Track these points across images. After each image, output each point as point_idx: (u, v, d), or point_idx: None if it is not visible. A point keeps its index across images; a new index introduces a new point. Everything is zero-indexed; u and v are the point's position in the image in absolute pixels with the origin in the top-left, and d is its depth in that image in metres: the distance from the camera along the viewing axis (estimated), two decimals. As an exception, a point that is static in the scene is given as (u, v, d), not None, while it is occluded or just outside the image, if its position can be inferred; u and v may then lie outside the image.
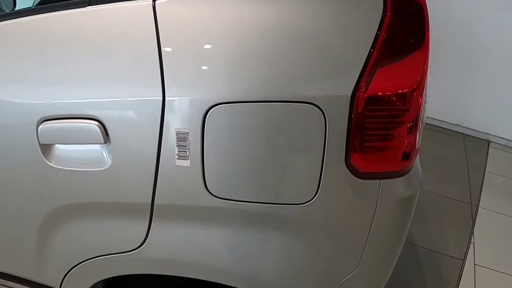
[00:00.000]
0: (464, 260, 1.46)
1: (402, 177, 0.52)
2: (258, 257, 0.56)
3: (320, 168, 0.48)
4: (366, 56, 0.45)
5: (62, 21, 0.51)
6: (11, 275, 0.83)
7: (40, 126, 0.51)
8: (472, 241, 1.57)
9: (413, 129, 0.50)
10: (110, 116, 0.49)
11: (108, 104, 0.49)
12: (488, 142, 2.52)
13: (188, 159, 0.49)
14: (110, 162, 0.51)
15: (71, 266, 0.68)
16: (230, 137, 0.48)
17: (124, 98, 0.48)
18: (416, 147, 0.54)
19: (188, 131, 0.47)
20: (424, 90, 0.50)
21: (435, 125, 2.51)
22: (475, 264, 1.45)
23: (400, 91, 0.47)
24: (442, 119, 2.67)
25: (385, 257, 0.61)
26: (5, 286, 0.87)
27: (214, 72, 0.46)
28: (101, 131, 0.49)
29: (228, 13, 0.45)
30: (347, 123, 0.46)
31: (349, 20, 0.46)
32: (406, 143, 0.50)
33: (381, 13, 0.44)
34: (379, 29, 0.45)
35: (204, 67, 0.46)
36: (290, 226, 0.53)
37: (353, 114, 0.46)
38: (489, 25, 2.25)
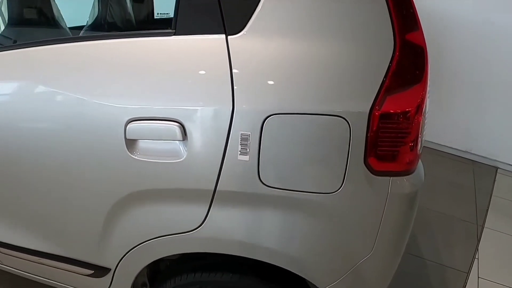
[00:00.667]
0: (468, 273, 1.61)
1: (407, 176, 0.70)
2: (294, 237, 0.73)
3: (345, 166, 0.66)
4: (380, 83, 0.63)
5: (151, 46, 0.71)
6: (64, 257, 1.00)
7: (128, 125, 0.69)
8: (476, 257, 1.72)
9: (415, 140, 0.68)
10: (189, 119, 0.67)
11: (188, 111, 0.68)
12: (496, 168, 2.70)
13: (247, 155, 0.67)
14: (185, 155, 0.69)
15: (131, 247, 0.84)
16: (280, 139, 0.66)
17: (202, 107, 0.68)
18: (418, 153, 0.72)
19: (250, 133, 0.66)
20: (423, 110, 0.71)
21: (446, 152, 2.68)
22: (478, 277, 1.60)
23: (405, 110, 0.66)
24: (452, 146, 2.85)
25: (395, 242, 0.77)
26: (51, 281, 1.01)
27: (270, 90, 0.65)
28: (181, 130, 0.68)
29: (282, 46, 0.65)
30: (365, 133, 0.64)
31: (369, 56, 0.65)
32: (409, 150, 0.68)
33: (391, 52, 0.63)
34: (390, 63, 0.63)
35: (263, 87, 0.65)
36: (321, 211, 0.70)
37: (370, 126, 0.64)
38: (498, 59, 2.49)
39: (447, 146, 2.69)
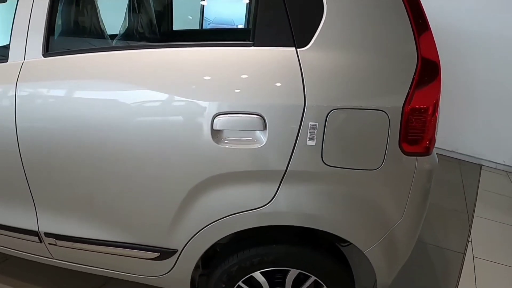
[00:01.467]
0: (464, 253, 1.92)
1: (427, 156, 0.97)
2: (347, 208, 0.97)
3: (385, 148, 0.91)
4: (409, 86, 0.90)
5: (234, 54, 0.93)
6: (129, 243, 1.17)
7: (216, 118, 0.92)
8: (470, 240, 2.07)
9: (433, 129, 0.96)
10: (269, 113, 0.90)
11: (269, 106, 0.90)
12: (480, 166, 3.14)
13: (314, 140, 0.91)
14: (264, 142, 0.91)
15: (202, 227, 1.03)
16: (339, 128, 0.90)
17: (280, 103, 0.90)
18: (435, 139, 1.02)
19: (317, 124, 0.90)
20: (438, 106, 1.02)
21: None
22: (474, 257, 1.95)
23: (426, 107, 0.98)
24: (440, 147, 3.31)
25: (419, 210, 1.03)
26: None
27: (332, 91, 0.89)
28: (262, 122, 0.91)
29: (339, 56, 0.89)
30: (399, 123, 0.90)
31: (401, 67, 0.91)
32: (429, 136, 0.96)
33: (415, 65, 0.90)
34: (414, 74, 0.90)
35: (326, 88, 0.89)
36: (366, 185, 0.95)
37: (402, 118, 0.91)
38: (482, 67, 2.95)
39: (435, 147, 3.23)
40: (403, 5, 0.92)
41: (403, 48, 0.93)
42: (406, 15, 0.92)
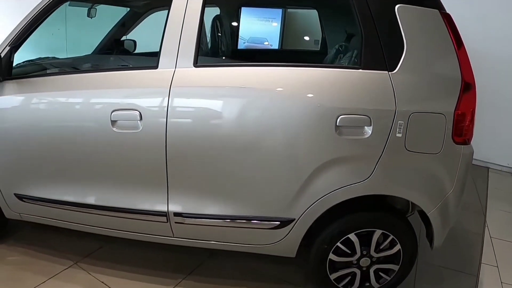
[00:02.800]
0: (482, 234, 2.61)
1: (467, 145, 1.59)
2: (421, 180, 1.57)
3: (443, 139, 1.51)
4: (457, 97, 1.52)
5: (348, 75, 1.53)
6: (253, 216, 1.73)
7: (339, 117, 1.50)
8: (486, 225, 2.78)
9: (471, 126, 1.64)
10: (374, 114, 1.47)
11: (375, 111, 1.48)
12: (488, 168, 3.95)
13: (401, 133, 1.49)
14: (370, 133, 1.49)
15: (316, 199, 1.59)
16: (416, 125, 1.49)
17: (381, 108, 1.48)
18: (472, 134, 1.66)
19: (403, 122, 1.47)
20: (475, 112, 1.65)
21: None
22: (491, 237, 2.65)
23: (467, 111, 1.67)
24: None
25: (462, 184, 1.63)
26: None
27: (412, 100, 1.49)
28: (369, 120, 1.49)
29: (416, 76, 1.50)
30: (452, 122, 1.51)
31: (453, 85, 1.53)
32: (469, 131, 1.60)
33: (460, 83, 1.53)
34: (460, 88, 1.52)
35: (409, 98, 1.49)
36: (432, 164, 1.54)
37: (454, 119, 1.54)
38: (489, 72, 3.69)
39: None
40: (453, 45, 1.60)
41: (453, 73, 1.57)
42: (454, 51, 1.61)
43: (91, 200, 1.80)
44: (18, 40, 1.82)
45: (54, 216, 1.96)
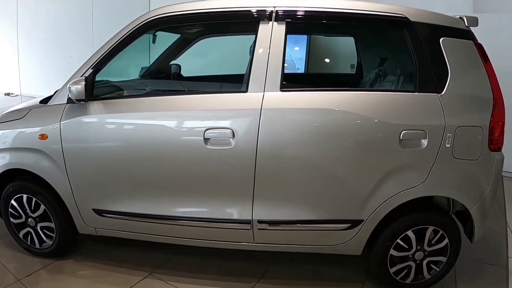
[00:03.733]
0: (506, 232, 3.21)
1: (499, 152, 2.11)
2: (464, 182, 2.08)
3: (481, 147, 2.01)
4: (490, 113, 2.04)
5: (407, 97, 2.05)
6: (326, 219, 2.18)
7: (402, 132, 1.98)
8: (508, 226, 3.36)
9: (502, 137, 2.23)
10: (429, 128, 1.97)
11: (429, 126, 1.98)
12: (502, 176, 4.53)
13: (450, 144, 1.97)
14: (426, 145, 1.98)
15: (382, 202, 2.04)
16: (461, 136, 2.00)
17: (434, 124, 1.98)
18: (503, 143, 2.27)
19: (451, 135, 1.95)
20: (504, 124, 2.15)
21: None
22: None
23: (498, 124, 2.22)
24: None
25: (497, 184, 2.14)
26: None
27: (456, 117, 2.00)
28: (424, 134, 1.99)
29: (459, 96, 2.01)
30: (488, 133, 2.03)
31: (486, 102, 2.06)
32: (501, 140, 2.10)
33: (492, 101, 2.04)
34: (492, 106, 2.04)
35: (455, 115, 2.00)
36: (472, 168, 2.05)
37: (489, 131, 2.05)
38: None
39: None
40: (485, 71, 2.14)
41: (486, 94, 2.09)
42: (487, 75, 2.15)
43: (176, 212, 2.19)
44: (101, 64, 2.20)
45: (135, 229, 2.32)
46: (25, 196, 2.46)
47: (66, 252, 2.62)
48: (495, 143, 2.10)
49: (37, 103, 2.48)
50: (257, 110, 1.98)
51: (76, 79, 2.11)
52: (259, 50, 2.03)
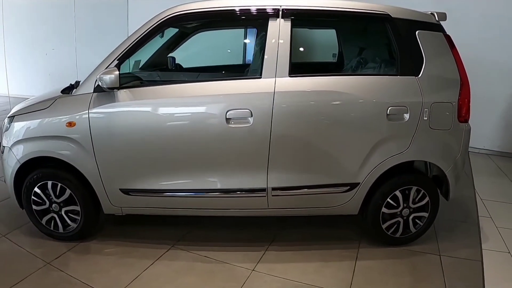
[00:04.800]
0: (475, 197, 4.06)
1: (467, 123, 2.85)
2: (440, 148, 2.82)
3: (452, 119, 2.71)
4: (458, 91, 2.76)
5: (391, 79, 2.79)
6: (331, 184, 2.82)
7: (389, 109, 2.69)
8: (476, 191, 4.21)
9: (468, 111, 2.98)
10: (411, 106, 2.67)
11: (410, 103, 2.67)
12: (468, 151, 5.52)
13: (427, 117, 2.62)
14: (407, 118, 2.67)
15: (374, 166, 2.72)
16: (435, 111, 2.73)
17: (414, 101, 2.67)
18: (469, 116, 3.04)
19: (427, 109, 2.57)
20: (470, 101, 2.95)
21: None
22: (481, 199, 4.08)
23: (465, 100, 2.98)
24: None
25: (465, 149, 2.90)
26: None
27: (432, 94, 2.71)
28: (406, 109, 2.67)
29: (434, 79, 2.73)
30: (457, 108, 2.76)
31: (454, 82, 2.80)
32: (467, 114, 2.92)
33: (459, 82, 2.81)
34: (460, 85, 2.77)
35: (430, 92, 2.72)
36: (446, 136, 2.78)
37: (458, 105, 2.75)
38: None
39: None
40: (453, 57, 2.90)
41: (454, 76, 2.80)
42: (454, 61, 2.91)
43: (201, 185, 2.77)
44: (125, 57, 2.72)
45: (160, 205, 2.88)
46: (49, 182, 2.91)
47: (89, 234, 3.07)
48: (463, 116, 2.85)
49: (59, 94, 2.96)
50: (270, 93, 2.61)
51: (107, 70, 2.61)
52: (270, 42, 2.66)
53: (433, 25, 2.79)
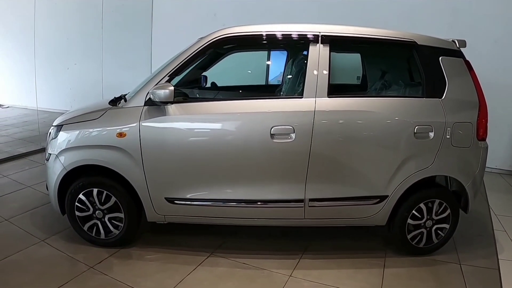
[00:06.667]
0: (489, 213, 4.58)
1: (484, 141, 3.37)
2: (462, 164, 3.34)
3: (472, 137, 3.22)
4: (477, 112, 3.29)
5: (418, 101, 3.33)
6: (360, 196, 3.33)
7: (416, 127, 3.20)
8: (490, 207, 4.76)
9: (485, 130, 3.55)
10: (434, 124, 3.20)
11: (435, 122, 3.18)
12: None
13: (449, 135, 3.10)
14: (432, 136, 3.17)
15: (402, 180, 3.20)
16: (457, 130, 3.24)
17: (437, 120, 3.19)
18: (487, 135, 3.60)
19: (450, 128, 3.06)
20: (487, 121, 3.54)
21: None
22: (495, 214, 4.60)
23: (483, 119, 3.54)
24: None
25: (483, 167, 3.41)
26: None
27: (454, 114, 3.27)
28: (431, 128, 3.19)
29: (455, 101, 3.27)
30: (476, 127, 3.29)
31: (474, 104, 3.35)
32: (485, 133, 3.49)
33: (478, 104, 3.33)
34: (479, 107, 3.27)
35: (452, 114, 3.24)
36: (466, 154, 3.31)
37: (477, 125, 3.27)
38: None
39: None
40: (472, 82, 3.47)
41: (473, 98, 3.36)
42: (474, 85, 3.48)
43: (244, 196, 3.22)
44: (174, 74, 3.20)
45: (203, 214, 3.36)
46: (95, 190, 3.37)
47: (130, 241, 3.51)
48: (481, 135, 3.39)
49: (107, 105, 3.43)
50: (311, 112, 3.12)
51: (161, 85, 3.09)
52: (310, 66, 3.20)
53: (455, 52, 3.35)
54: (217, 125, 3.18)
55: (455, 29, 5.90)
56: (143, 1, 7.89)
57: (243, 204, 3.21)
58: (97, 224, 3.42)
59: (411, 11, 6.15)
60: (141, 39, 7.96)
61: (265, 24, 3.28)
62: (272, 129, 3.07)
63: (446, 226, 3.44)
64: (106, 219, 3.39)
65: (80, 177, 3.35)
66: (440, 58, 3.29)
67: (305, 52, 3.20)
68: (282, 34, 3.26)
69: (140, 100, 3.18)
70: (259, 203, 3.20)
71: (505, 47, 5.78)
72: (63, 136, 3.35)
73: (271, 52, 5.09)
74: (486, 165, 3.64)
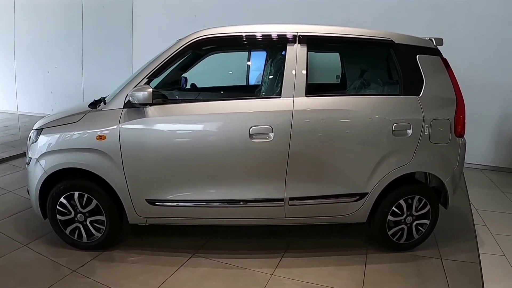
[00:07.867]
0: (470, 207, 4.68)
1: (462, 137, 3.45)
2: (438, 160, 3.39)
3: (450, 133, 3.30)
4: (455, 108, 3.35)
5: (397, 98, 3.40)
6: (341, 194, 3.42)
7: (394, 125, 3.26)
8: (471, 203, 4.87)
9: (463, 126, 3.62)
10: (412, 122, 3.25)
11: (412, 119, 3.24)
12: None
13: (427, 132, 3.18)
14: (410, 133, 3.22)
15: (381, 177, 3.25)
16: (435, 127, 3.32)
17: (415, 117, 3.25)
18: (464, 131, 3.67)
19: (428, 125, 3.12)
20: (465, 117, 3.56)
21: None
22: (476, 209, 4.72)
23: (461, 115, 3.60)
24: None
25: (461, 163, 3.49)
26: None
27: (432, 111, 3.31)
28: (409, 125, 3.24)
29: (431, 98, 3.34)
30: (454, 123, 3.35)
31: (451, 100, 3.43)
32: (463, 129, 3.55)
33: (455, 100, 3.36)
34: (456, 103, 3.35)
35: (429, 110, 3.31)
36: (444, 150, 3.37)
37: (455, 121, 3.35)
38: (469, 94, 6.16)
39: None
40: (450, 79, 3.55)
41: (451, 95, 3.44)
42: (451, 82, 3.56)
43: (224, 196, 3.26)
44: (152, 76, 3.22)
45: (184, 215, 3.38)
46: (76, 193, 3.37)
47: (112, 244, 3.51)
48: (459, 131, 3.47)
49: (87, 108, 3.45)
50: (289, 111, 3.16)
51: (140, 87, 3.10)
52: (288, 65, 3.25)
53: (432, 50, 3.42)
54: (196, 126, 3.20)
55: (434, 27, 6.00)
56: (123, 3, 7.86)
57: (223, 204, 3.25)
58: (79, 228, 3.42)
59: (391, 9, 6.26)
60: (121, 41, 7.94)
61: (244, 25, 3.31)
62: (250, 129, 3.11)
63: (427, 221, 3.51)
64: (88, 222, 3.40)
65: (61, 180, 3.34)
66: (417, 56, 3.37)
67: (283, 52, 3.24)
68: (261, 35, 3.30)
69: (119, 103, 3.19)
70: (241, 203, 3.25)
71: (485, 44, 5.90)
72: (43, 139, 3.34)
73: (252, 53, 5.12)
74: (467, 161, 3.72)
